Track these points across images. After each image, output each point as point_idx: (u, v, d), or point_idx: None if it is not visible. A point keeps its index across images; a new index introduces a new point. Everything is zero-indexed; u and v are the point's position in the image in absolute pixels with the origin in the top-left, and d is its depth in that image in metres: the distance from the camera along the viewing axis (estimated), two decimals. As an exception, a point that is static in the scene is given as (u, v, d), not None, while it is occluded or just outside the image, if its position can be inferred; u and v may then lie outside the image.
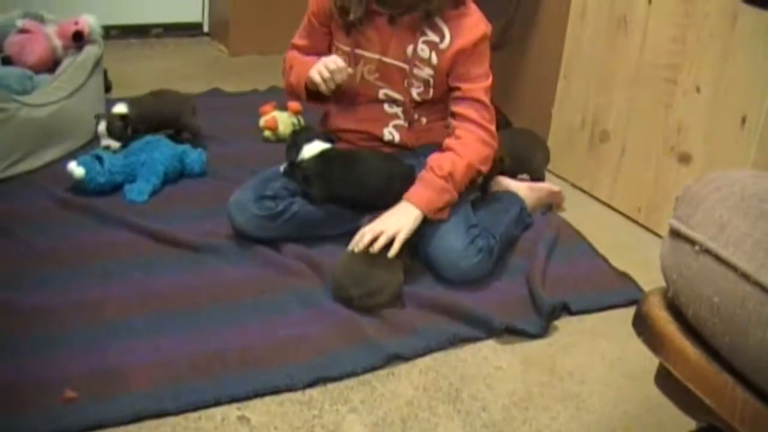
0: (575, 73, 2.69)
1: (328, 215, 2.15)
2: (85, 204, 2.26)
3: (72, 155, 2.45)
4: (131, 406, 1.53)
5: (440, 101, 2.16)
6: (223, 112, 3.06)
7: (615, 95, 2.54)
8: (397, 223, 1.94)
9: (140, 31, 3.90)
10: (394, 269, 1.92)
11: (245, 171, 2.42)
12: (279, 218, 2.09)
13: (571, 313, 2.00)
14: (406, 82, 2.15)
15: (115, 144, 2.47)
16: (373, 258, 1.91)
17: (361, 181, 2.12)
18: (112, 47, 3.28)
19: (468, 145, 2.07)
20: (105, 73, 2.95)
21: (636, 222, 2.51)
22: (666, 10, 2.33)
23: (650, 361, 1.14)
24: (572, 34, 2.68)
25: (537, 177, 2.59)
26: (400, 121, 2.21)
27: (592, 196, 2.67)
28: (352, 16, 2.09)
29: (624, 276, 2.16)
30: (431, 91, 2.15)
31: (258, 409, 1.59)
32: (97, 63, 2.76)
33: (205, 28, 4.05)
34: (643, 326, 1.13)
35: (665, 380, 1.12)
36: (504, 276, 2.11)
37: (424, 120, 2.21)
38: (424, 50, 2.10)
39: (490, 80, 2.14)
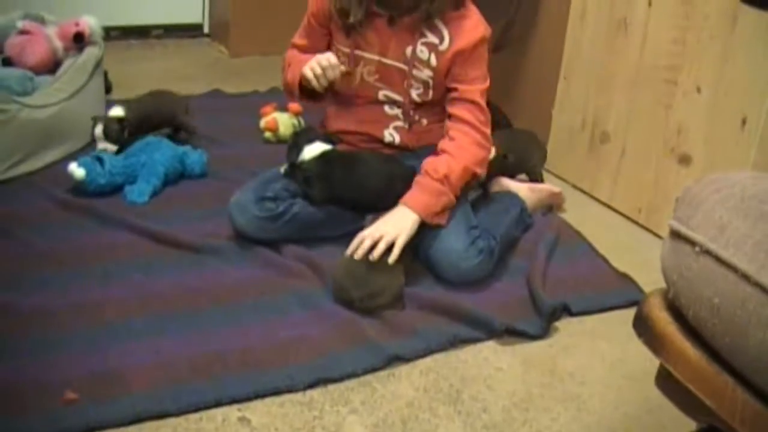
0: (575, 75, 2.69)
1: (328, 216, 2.15)
2: (85, 205, 2.26)
3: (72, 156, 2.45)
4: (132, 408, 1.53)
5: (440, 103, 2.16)
6: (223, 113, 3.06)
7: (615, 96, 2.54)
8: (395, 228, 1.94)
9: (141, 32, 3.91)
10: (395, 271, 1.92)
11: (246, 172, 2.42)
12: (280, 219, 2.09)
13: (572, 314, 2.00)
14: (405, 83, 2.15)
15: (111, 147, 2.47)
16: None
17: (362, 182, 2.12)
18: (112, 48, 3.29)
19: (463, 147, 2.07)
20: (105, 74, 2.95)
21: (636, 223, 2.51)
22: (666, 12, 2.33)
23: (651, 362, 1.14)
24: (572, 35, 2.68)
25: (535, 177, 2.59)
26: (401, 123, 2.21)
27: (592, 197, 2.67)
28: (352, 19, 2.09)
29: (624, 277, 2.16)
30: (431, 92, 2.16)
31: (258, 410, 1.59)
32: (98, 64, 2.76)
33: (206, 29, 4.05)
34: (643, 327, 1.13)
35: (666, 381, 1.12)
36: (504, 277, 2.11)
37: (424, 121, 2.21)
38: (423, 52, 2.11)
39: (487, 83, 2.14)
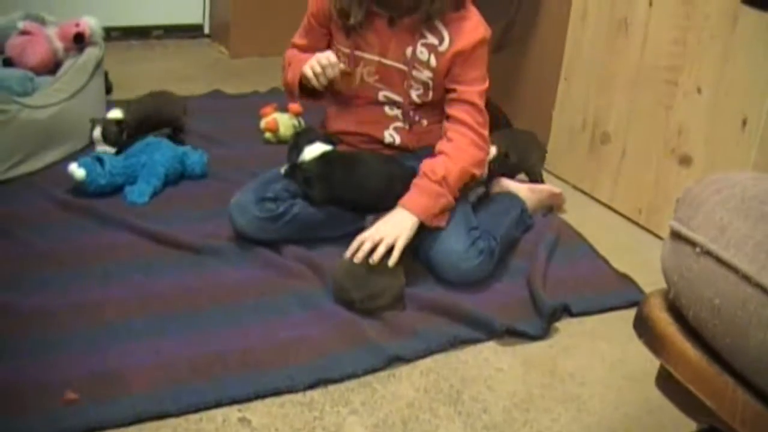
0: (576, 75, 2.69)
1: (328, 217, 2.15)
2: (85, 205, 2.26)
3: (73, 157, 2.45)
4: (132, 408, 1.53)
5: (440, 103, 2.16)
6: (223, 113, 3.06)
7: (616, 97, 2.54)
8: (394, 231, 1.93)
9: (141, 32, 3.90)
10: (396, 272, 1.92)
11: (246, 173, 2.42)
12: (280, 220, 2.09)
13: (572, 314, 2.00)
14: (405, 84, 2.15)
15: (110, 150, 2.47)
16: None
17: (362, 183, 2.12)
18: (113, 49, 3.28)
19: (460, 148, 2.07)
20: (106, 74, 2.95)
21: (637, 224, 2.51)
22: (666, 12, 2.33)
23: (651, 363, 1.14)
24: (573, 36, 2.68)
25: (534, 177, 2.59)
26: (401, 124, 2.21)
27: (592, 197, 2.67)
28: (352, 20, 2.10)
29: (625, 278, 2.16)
30: (431, 93, 2.16)
31: (259, 411, 1.59)
32: (98, 65, 2.76)
33: (206, 30, 4.05)
34: (643, 328, 1.13)
35: (666, 382, 1.12)
36: (505, 278, 2.11)
37: (424, 122, 2.21)
38: (423, 53, 2.11)
39: (486, 84, 2.14)
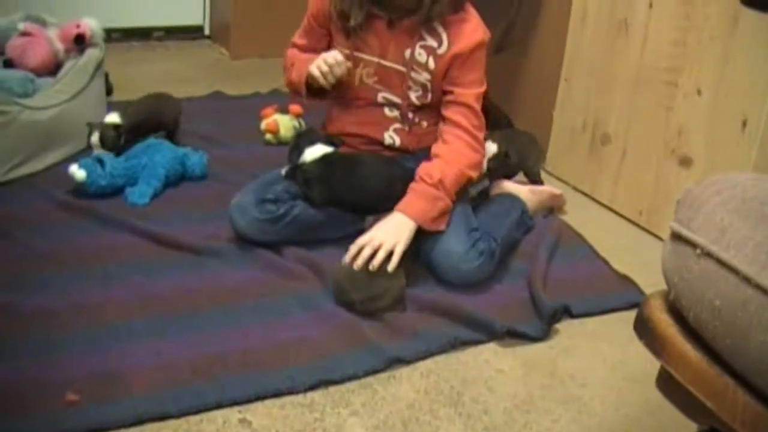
0: (576, 76, 2.69)
1: (329, 218, 2.15)
2: (86, 207, 2.26)
3: (73, 158, 2.45)
4: (132, 409, 1.53)
5: (440, 105, 2.16)
6: (224, 115, 3.07)
7: (616, 98, 2.55)
8: (393, 236, 1.93)
9: (142, 34, 3.91)
10: (396, 274, 1.92)
11: (246, 174, 2.42)
12: (280, 221, 2.09)
13: (573, 316, 2.00)
14: (404, 85, 2.15)
15: (107, 155, 2.46)
16: None
17: (362, 184, 2.12)
18: (113, 50, 3.29)
19: (456, 150, 2.08)
20: (106, 76, 2.95)
21: (637, 225, 2.51)
22: (667, 13, 2.33)
23: (651, 364, 1.14)
24: (573, 36, 2.68)
25: (533, 178, 2.59)
26: (400, 125, 2.21)
27: (593, 199, 2.67)
28: (352, 22, 2.10)
29: (625, 279, 2.16)
30: (429, 95, 2.16)
31: (259, 412, 1.59)
32: (99, 66, 2.76)
33: (206, 31, 4.05)
34: (644, 329, 1.13)
35: (666, 383, 1.12)
36: (505, 279, 2.11)
37: (424, 123, 2.22)
38: (421, 54, 2.11)
39: (483, 87, 2.14)
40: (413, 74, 2.13)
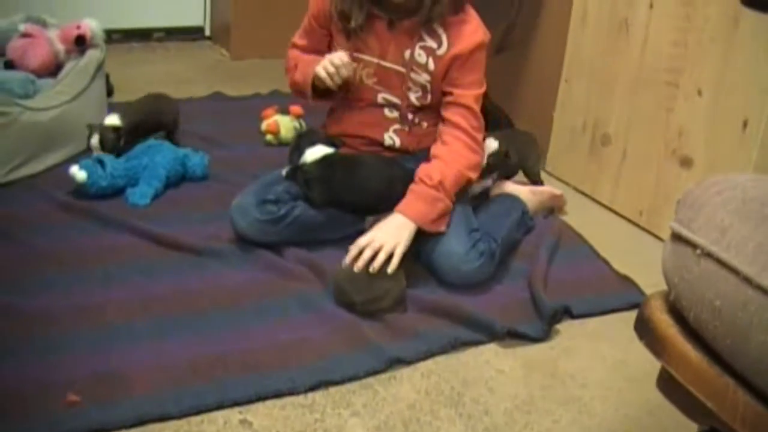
0: (576, 77, 2.70)
1: (329, 219, 2.15)
2: (87, 207, 2.27)
3: (74, 159, 2.45)
4: (133, 410, 1.53)
5: (440, 106, 2.16)
6: (224, 116, 3.07)
7: (616, 99, 2.55)
8: (393, 238, 1.93)
9: (142, 35, 3.91)
10: (397, 275, 1.92)
11: (247, 175, 2.42)
12: (281, 222, 2.09)
13: (573, 316, 2.00)
14: (403, 86, 2.15)
15: (108, 156, 2.46)
16: None
17: (363, 185, 2.12)
18: (114, 51, 3.29)
19: (455, 151, 2.08)
20: (107, 77, 2.96)
21: (637, 225, 2.51)
22: (667, 14, 2.33)
23: (652, 365, 1.14)
24: (573, 37, 2.68)
25: (534, 179, 2.59)
26: (400, 126, 2.21)
27: (593, 199, 2.68)
28: (353, 23, 2.10)
29: (625, 279, 2.16)
30: (429, 96, 2.16)
31: (260, 413, 1.59)
32: (99, 67, 2.76)
33: (207, 32, 4.06)
34: (644, 329, 1.13)
35: (667, 383, 1.12)
36: (506, 279, 2.11)
37: (424, 124, 2.22)
38: (421, 55, 2.11)
39: (483, 89, 2.14)
40: (413, 75, 2.13)
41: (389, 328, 1.86)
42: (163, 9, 3.91)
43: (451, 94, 2.11)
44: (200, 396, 1.59)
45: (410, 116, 2.20)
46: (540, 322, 1.93)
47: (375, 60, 2.14)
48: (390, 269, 1.90)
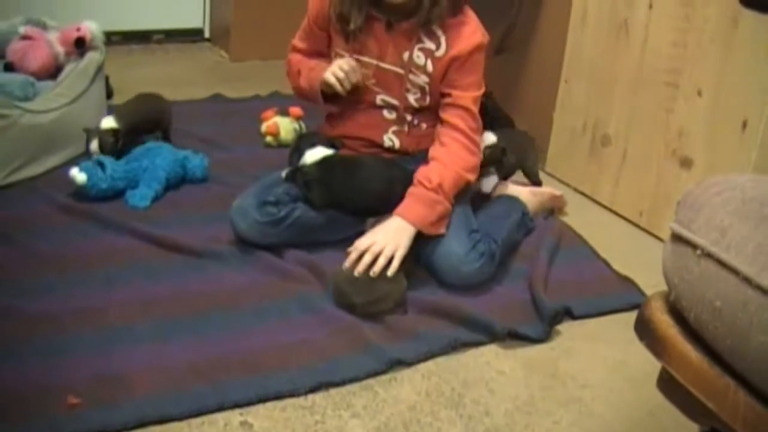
0: (576, 77, 2.70)
1: (329, 221, 2.15)
2: (87, 210, 2.27)
3: (74, 161, 2.45)
4: (134, 412, 1.53)
5: (438, 107, 2.16)
6: (224, 117, 3.07)
7: (616, 99, 2.55)
8: (394, 241, 1.93)
9: (142, 37, 3.91)
10: (398, 276, 1.92)
11: (247, 177, 2.42)
12: (281, 224, 2.09)
13: (573, 317, 2.00)
14: (402, 88, 2.15)
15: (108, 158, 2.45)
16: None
17: (363, 186, 2.12)
18: (113, 53, 3.29)
19: (453, 153, 2.08)
20: (107, 79, 2.96)
21: (637, 226, 2.51)
22: (666, 14, 2.33)
23: (652, 365, 1.14)
24: (573, 38, 2.68)
25: (535, 180, 2.59)
26: (399, 127, 2.21)
27: (593, 200, 2.68)
28: (352, 25, 2.10)
29: (626, 280, 2.16)
30: (428, 97, 2.16)
31: (261, 415, 1.59)
32: (99, 69, 2.76)
33: (206, 34, 4.06)
34: (645, 330, 1.13)
35: (667, 384, 1.12)
36: (506, 281, 2.11)
37: (423, 125, 2.22)
38: (419, 57, 2.11)
39: (481, 90, 2.15)
40: (411, 77, 2.13)
41: (389, 329, 1.86)
42: (162, 11, 3.92)
43: (449, 95, 2.12)
44: (201, 397, 1.59)
45: (409, 118, 2.20)
46: (540, 323, 1.93)
47: (374, 62, 2.15)
48: (390, 272, 1.90)
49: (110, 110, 2.72)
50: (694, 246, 1.04)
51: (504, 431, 1.61)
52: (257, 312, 1.89)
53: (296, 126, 2.87)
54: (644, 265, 2.19)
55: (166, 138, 2.68)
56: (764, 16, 2.04)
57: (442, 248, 2.03)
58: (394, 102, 2.18)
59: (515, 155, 2.46)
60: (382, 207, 2.04)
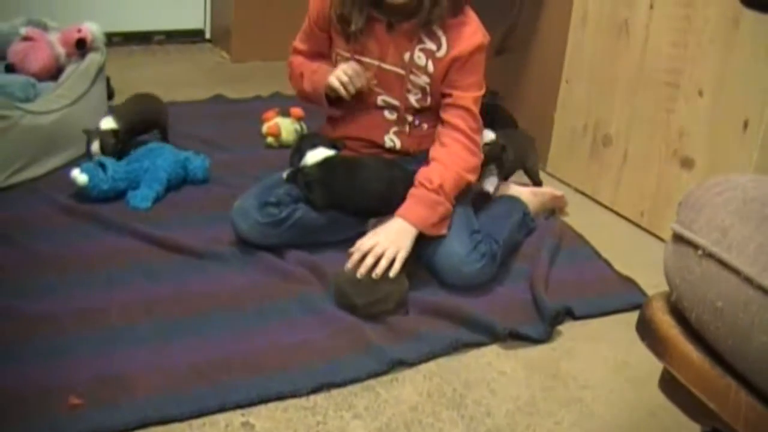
0: (577, 78, 2.70)
1: (330, 221, 2.15)
2: (88, 211, 2.27)
3: (75, 162, 2.46)
4: (136, 413, 1.53)
5: (439, 108, 2.17)
6: (225, 118, 3.07)
7: (617, 99, 2.55)
8: (395, 244, 1.93)
9: (142, 38, 3.92)
10: (399, 277, 1.92)
11: (248, 178, 2.43)
12: (282, 225, 2.09)
13: (575, 317, 2.00)
14: (403, 88, 2.15)
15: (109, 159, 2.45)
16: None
17: (364, 187, 2.12)
18: (114, 54, 3.29)
19: (454, 153, 2.08)
20: (108, 80, 2.96)
21: (639, 226, 2.51)
22: (667, 15, 2.33)
23: (654, 366, 1.14)
24: (574, 38, 2.68)
25: (535, 180, 2.59)
26: (400, 128, 2.21)
27: (594, 200, 2.68)
28: (353, 27, 2.10)
29: (627, 280, 2.16)
30: (429, 98, 2.16)
31: (262, 416, 1.59)
32: (100, 70, 2.77)
33: (207, 35, 4.06)
34: (646, 330, 1.13)
35: (669, 384, 1.12)
36: (507, 281, 2.11)
37: (425, 126, 2.22)
38: (420, 58, 2.11)
39: (482, 91, 2.15)
40: (412, 77, 2.13)
41: (391, 330, 1.86)
42: (163, 12, 3.92)
43: (450, 95, 2.12)
44: (202, 398, 1.59)
45: (410, 118, 2.20)
46: (541, 324, 1.93)
47: (375, 63, 2.15)
48: (392, 274, 1.90)
49: (109, 111, 2.72)
50: (695, 246, 1.04)
51: (505, 432, 1.62)
52: (258, 313, 1.89)
53: (297, 127, 2.87)
54: (645, 265, 2.19)
55: (164, 137, 2.69)
56: (765, 16, 2.03)
57: (444, 249, 2.03)
58: (395, 103, 2.18)
59: (515, 155, 2.46)
60: (384, 207, 2.05)
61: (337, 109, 2.24)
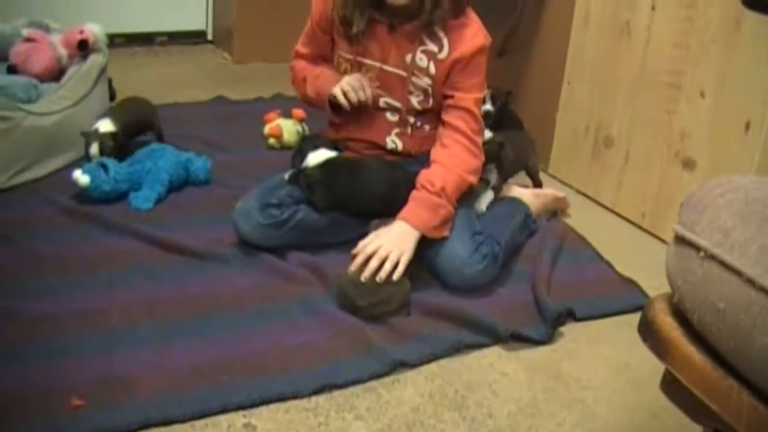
0: (579, 79, 2.70)
1: (332, 223, 2.15)
2: (90, 212, 2.27)
3: (77, 163, 2.46)
4: (137, 414, 1.53)
5: (441, 109, 2.16)
6: (227, 119, 3.07)
7: (619, 101, 2.55)
8: (398, 247, 1.93)
9: (144, 39, 3.92)
10: (401, 279, 1.92)
11: (250, 179, 2.43)
12: (284, 226, 2.09)
13: (576, 319, 2.00)
14: (405, 90, 2.15)
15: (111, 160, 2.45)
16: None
17: (366, 188, 2.12)
18: (116, 55, 3.30)
19: (455, 155, 2.08)
20: (110, 81, 2.96)
21: (640, 228, 2.51)
22: (669, 16, 2.33)
23: (656, 367, 1.14)
24: (576, 39, 2.68)
25: (536, 182, 2.58)
26: (402, 129, 2.21)
27: (596, 202, 2.67)
28: (355, 29, 2.10)
29: (629, 282, 2.16)
30: (431, 100, 2.16)
31: (264, 417, 1.59)
32: (102, 71, 2.77)
33: (209, 36, 4.07)
34: (648, 332, 1.13)
35: (671, 386, 1.12)
36: (509, 282, 2.11)
37: (426, 127, 2.22)
38: (422, 59, 2.11)
39: (483, 92, 2.16)
40: (414, 79, 2.13)
41: (393, 331, 1.86)
42: (165, 13, 3.92)
43: (451, 97, 2.12)
44: (204, 400, 1.59)
45: (412, 120, 2.20)
46: (543, 325, 1.93)
47: (377, 64, 2.15)
48: (395, 277, 1.90)
49: (105, 113, 2.72)
50: (697, 248, 1.04)
51: (507, 433, 1.61)
52: (260, 314, 1.89)
53: (299, 128, 2.87)
54: (647, 266, 2.19)
55: (159, 139, 2.69)
56: (767, 17, 2.04)
57: (446, 250, 2.03)
58: (397, 104, 2.18)
59: (516, 155, 2.46)
60: (386, 209, 2.04)
61: (340, 115, 2.23)
